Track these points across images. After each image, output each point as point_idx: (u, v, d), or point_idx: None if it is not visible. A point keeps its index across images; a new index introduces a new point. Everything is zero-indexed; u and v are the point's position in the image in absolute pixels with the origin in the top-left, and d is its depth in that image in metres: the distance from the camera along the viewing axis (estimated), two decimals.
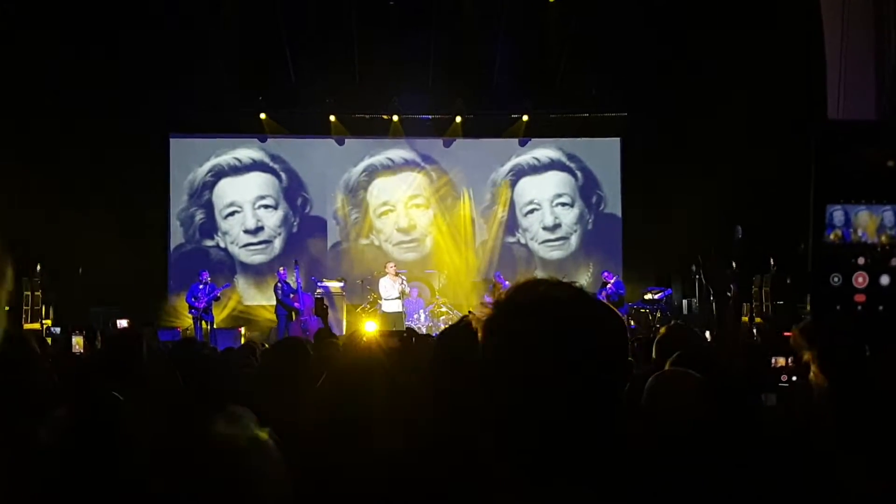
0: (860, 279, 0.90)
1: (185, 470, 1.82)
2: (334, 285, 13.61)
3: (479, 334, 1.19)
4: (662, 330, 3.69)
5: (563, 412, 1.09)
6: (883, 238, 0.91)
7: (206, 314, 12.91)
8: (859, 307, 0.90)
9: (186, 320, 13.55)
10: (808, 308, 0.89)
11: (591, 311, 1.14)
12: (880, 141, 0.90)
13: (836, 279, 0.90)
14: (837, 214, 0.91)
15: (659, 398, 2.60)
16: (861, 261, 0.90)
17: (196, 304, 12.80)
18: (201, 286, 12.91)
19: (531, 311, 1.13)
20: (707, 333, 9.92)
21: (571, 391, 1.09)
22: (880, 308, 0.91)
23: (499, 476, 1.15)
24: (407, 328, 7.66)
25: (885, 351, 0.89)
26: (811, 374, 1.70)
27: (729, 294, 11.82)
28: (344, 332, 12.49)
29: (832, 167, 0.90)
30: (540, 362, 1.09)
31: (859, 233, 0.90)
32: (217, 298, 13.18)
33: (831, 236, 0.91)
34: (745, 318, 12.06)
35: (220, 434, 1.78)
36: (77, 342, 10.34)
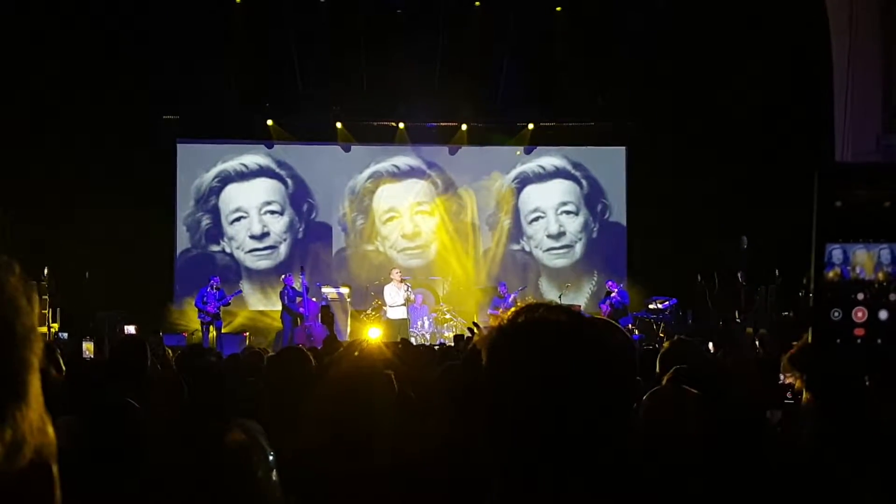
0: (859, 314, 0.94)
1: (194, 479, 1.86)
2: (339, 291, 13.63)
3: (483, 356, 1.23)
4: (666, 344, 3.73)
5: (562, 433, 1.12)
6: (880, 275, 0.95)
7: (216, 320, 12.93)
8: (859, 341, 0.94)
9: (192, 325, 13.60)
10: (810, 339, 0.94)
11: (589, 334, 1.18)
12: (878, 182, 0.94)
13: (836, 314, 0.94)
14: (836, 253, 0.95)
15: (654, 416, 2.62)
16: (860, 296, 0.94)
17: (206, 308, 12.81)
18: (210, 290, 12.93)
19: (531, 335, 1.17)
20: (710, 345, 9.93)
21: (570, 412, 1.12)
22: (879, 341, 0.95)
23: (500, 492, 1.18)
24: (402, 339, 7.68)
25: (885, 383, 0.93)
26: (804, 398, 1.74)
27: (738, 320, 11.81)
28: (347, 339, 12.53)
29: (831, 208, 0.95)
30: (539, 385, 1.13)
31: (857, 270, 0.94)
32: (227, 305, 13.20)
33: (830, 274, 0.95)
34: (750, 330, 12.05)
35: (231, 447, 1.82)
36: (87, 347, 10.40)
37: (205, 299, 12.84)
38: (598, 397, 1.14)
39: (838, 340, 0.91)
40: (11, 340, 0.70)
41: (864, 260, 0.91)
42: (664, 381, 2.91)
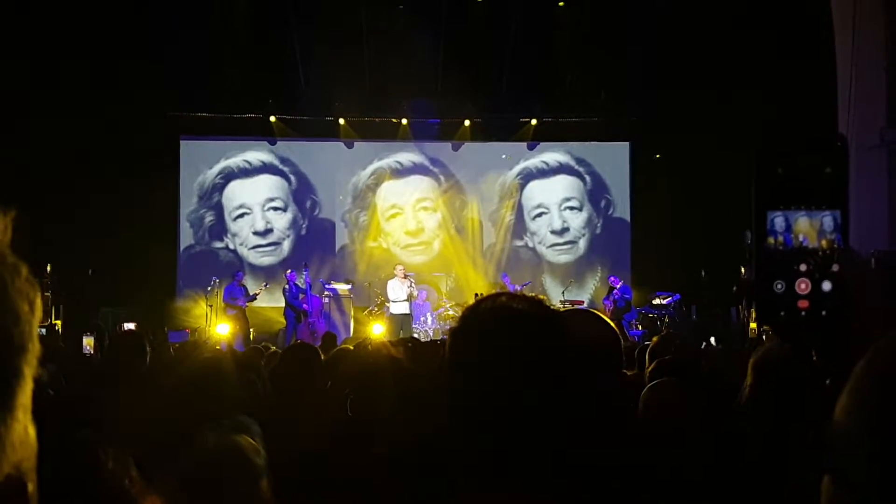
0: (803, 285, 0.92)
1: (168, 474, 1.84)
2: (342, 287, 13.64)
3: (447, 344, 1.22)
4: (655, 339, 3.72)
5: (520, 421, 1.11)
6: (823, 242, 0.92)
7: (244, 316, 12.92)
8: (803, 313, 0.91)
9: (196, 321, 13.63)
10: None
11: (551, 323, 1.16)
12: (818, 149, 0.92)
13: (779, 286, 0.92)
14: (778, 221, 0.92)
15: (651, 410, 2.61)
16: (803, 267, 0.92)
17: (237, 303, 12.79)
18: (237, 286, 12.93)
19: (490, 322, 1.17)
20: (712, 339, 9.88)
21: (529, 402, 1.11)
22: (823, 313, 0.92)
23: (465, 479, 1.17)
24: (410, 338, 7.65)
25: (830, 356, 0.90)
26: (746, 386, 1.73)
27: (745, 315, 11.76)
28: (351, 335, 12.53)
29: (772, 175, 0.92)
30: (498, 372, 1.12)
31: (800, 238, 0.92)
32: (254, 300, 13.20)
33: (773, 241, 0.93)
34: (754, 325, 11.99)
35: (208, 445, 1.79)
36: (87, 342, 10.43)
37: (233, 295, 12.84)
38: (562, 387, 1.12)
39: (782, 313, 0.89)
40: (7, 349, 0.67)
41: (807, 227, 0.89)
42: (646, 374, 2.90)
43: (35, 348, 0.71)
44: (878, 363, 0.70)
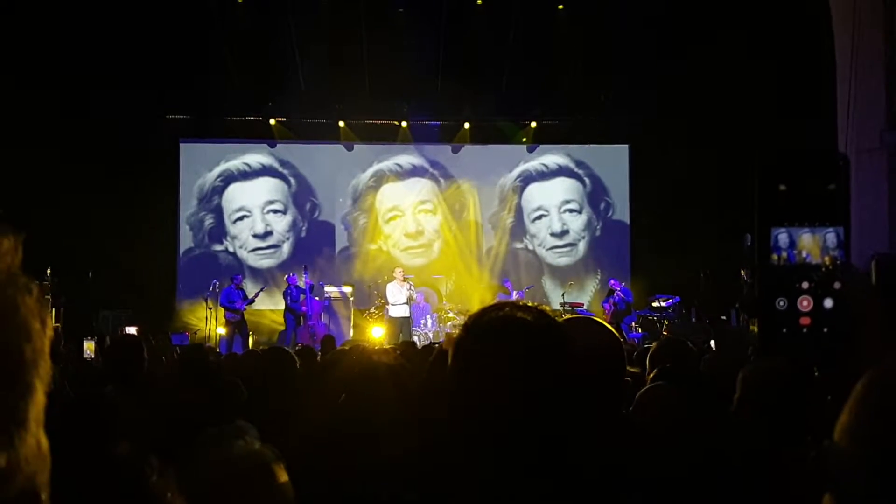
0: (805, 303, 0.91)
1: (182, 478, 1.83)
2: (342, 290, 13.63)
3: (449, 355, 1.22)
4: (654, 344, 3.73)
5: (523, 431, 1.11)
6: (826, 259, 0.92)
7: (244, 322, 12.89)
8: (805, 330, 0.91)
9: (196, 324, 13.62)
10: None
11: (557, 333, 1.16)
12: (821, 167, 0.91)
13: (781, 303, 0.92)
14: (782, 237, 0.92)
15: (644, 414, 2.61)
16: (805, 285, 0.91)
17: (235, 305, 12.77)
18: (235, 289, 12.91)
19: (494, 333, 1.16)
20: (712, 343, 9.88)
21: (536, 412, 1.11)
22: (825, 330, 0.92)
23: (466, 485, 1.17)
24: (404, 342, 7.64)
25: (831, 373, 0.90)
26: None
27: (743, 318, 11.77)
28: (351, 338, 12.52)
29: (776, 192, 0.92)
30: (502, 382, 1.12)
31: (804, 254, 0.92)
32: (252, 303, 13.18)
33: (776, 258, 0.93)
34: (754, 328, 11.98)
35: (222, 451, 1.79)
36: (88, 347, 10.43)
37: (231, 299, 12.82)
38: (565, 397, 1.13)
39: (784, 330, 0.89)
40: (20, 366, 0.70)
41: (811, 244, 0.88)
42: (647, 381, 2.90)
43: (46, 364, 0.73)
44: (877, 382, 0.70)
